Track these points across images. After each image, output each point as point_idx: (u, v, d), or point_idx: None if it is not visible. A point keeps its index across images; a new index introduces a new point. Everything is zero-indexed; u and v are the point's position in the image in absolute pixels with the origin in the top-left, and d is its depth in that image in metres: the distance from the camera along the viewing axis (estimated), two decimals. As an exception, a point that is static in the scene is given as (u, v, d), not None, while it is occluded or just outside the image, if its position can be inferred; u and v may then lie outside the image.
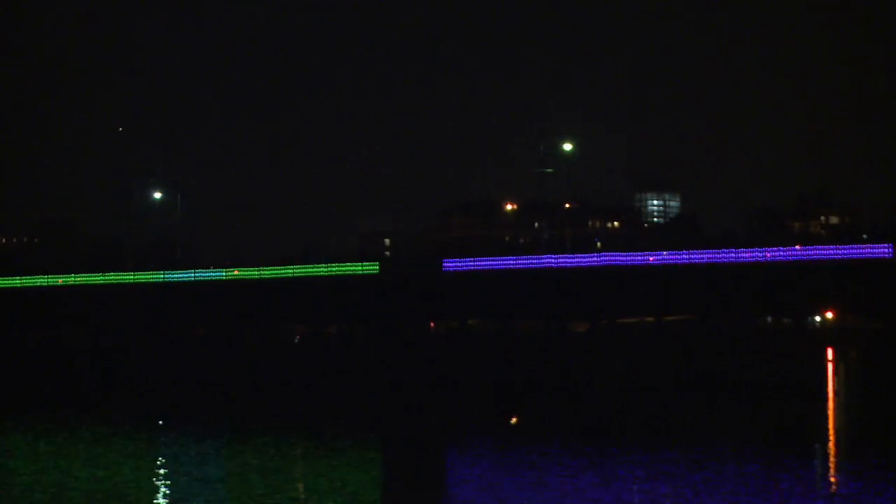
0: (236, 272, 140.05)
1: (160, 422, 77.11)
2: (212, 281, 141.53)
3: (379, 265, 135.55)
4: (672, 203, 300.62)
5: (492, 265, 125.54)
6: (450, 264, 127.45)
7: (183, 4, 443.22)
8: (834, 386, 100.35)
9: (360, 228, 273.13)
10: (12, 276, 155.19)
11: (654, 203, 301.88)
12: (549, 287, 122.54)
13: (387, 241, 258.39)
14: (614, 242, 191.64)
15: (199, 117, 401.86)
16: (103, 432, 70.92)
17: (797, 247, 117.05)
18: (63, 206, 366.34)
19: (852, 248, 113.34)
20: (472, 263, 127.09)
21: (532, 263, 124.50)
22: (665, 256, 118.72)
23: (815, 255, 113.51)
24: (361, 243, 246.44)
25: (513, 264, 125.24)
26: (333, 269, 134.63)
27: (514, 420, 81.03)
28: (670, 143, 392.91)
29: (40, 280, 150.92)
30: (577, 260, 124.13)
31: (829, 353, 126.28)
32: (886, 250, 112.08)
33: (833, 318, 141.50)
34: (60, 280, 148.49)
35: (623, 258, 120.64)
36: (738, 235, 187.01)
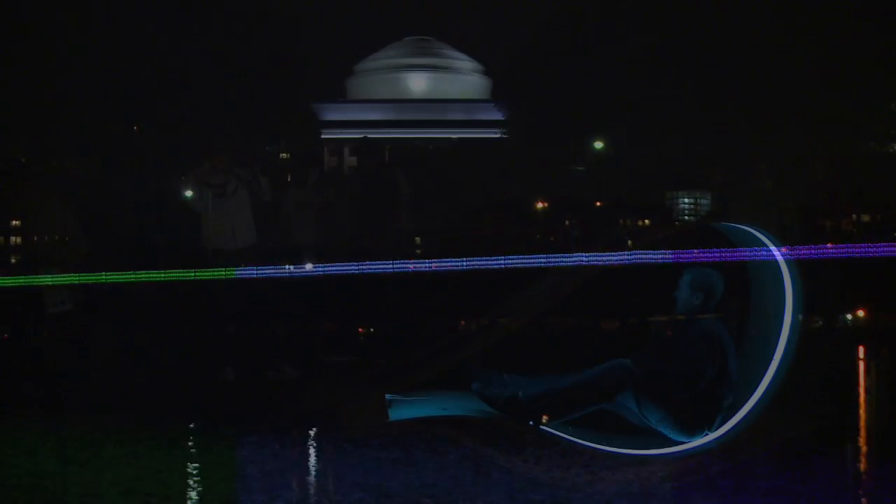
0: (266, 269, 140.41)
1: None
2: (245, 279, 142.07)
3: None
4: (703, 201, 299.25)
5: (523, 262, 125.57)
6: (477, 262, 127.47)
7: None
8: (866, 384, 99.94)
9: (389, 226, 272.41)
10: (41, 274, 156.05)
11: (685, 201, 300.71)
12: (579, 285, 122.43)
13: (417, 238, 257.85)
14: (645, 241, 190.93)
15: (228, 113, 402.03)
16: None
17: (829, 244, 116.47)
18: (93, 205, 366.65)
19: (885, 246, 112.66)
20: (504, 261, 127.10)
21: (562, 262, 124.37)
22: (696, 254, 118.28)
23: (847, 253, 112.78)
24: (391, 241, 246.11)
25: (544, 262, 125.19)
26: (364, 267, 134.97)
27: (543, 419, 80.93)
28: (701, 141, 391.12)
29: (72, 278, 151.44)
30: (607, 258, 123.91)
31: (861, 351, 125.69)
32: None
33: (865, 316, 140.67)
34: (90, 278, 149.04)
35: (654, 256, 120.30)
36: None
